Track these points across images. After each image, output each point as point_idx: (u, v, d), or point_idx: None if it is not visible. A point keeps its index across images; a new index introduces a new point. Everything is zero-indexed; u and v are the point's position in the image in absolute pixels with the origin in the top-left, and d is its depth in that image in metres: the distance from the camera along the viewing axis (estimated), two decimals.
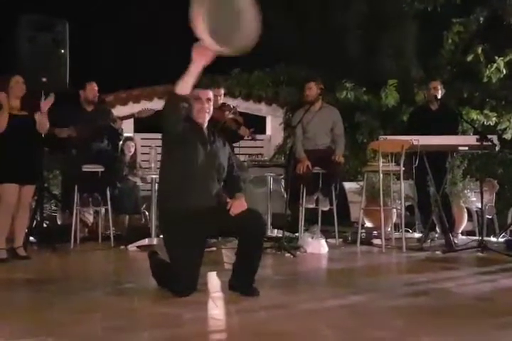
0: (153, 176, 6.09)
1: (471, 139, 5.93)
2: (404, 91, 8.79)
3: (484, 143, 5.75)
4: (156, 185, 6.18)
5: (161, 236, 4.42)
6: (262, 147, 9.22)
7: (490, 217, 7.48)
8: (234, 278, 3.75)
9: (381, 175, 6.12)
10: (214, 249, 5.67)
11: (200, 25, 3.16)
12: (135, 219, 7.47)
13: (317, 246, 5.79)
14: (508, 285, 4.23)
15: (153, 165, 6.10)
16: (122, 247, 6.07)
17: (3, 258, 5.15)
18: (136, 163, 7.67)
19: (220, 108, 6.21)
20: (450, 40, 8.80)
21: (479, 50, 8.49)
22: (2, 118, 5.15)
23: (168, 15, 11.37)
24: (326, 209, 6.43)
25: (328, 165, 6.27)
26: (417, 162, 5.97)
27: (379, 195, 6.10)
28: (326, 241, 5.98)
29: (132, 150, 7.64)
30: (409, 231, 7.04)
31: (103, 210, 6.77)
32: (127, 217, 7.35)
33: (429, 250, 5.91)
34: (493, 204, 7.83)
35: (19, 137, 5.19)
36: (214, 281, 4.21)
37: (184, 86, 3.56)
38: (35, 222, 6.10)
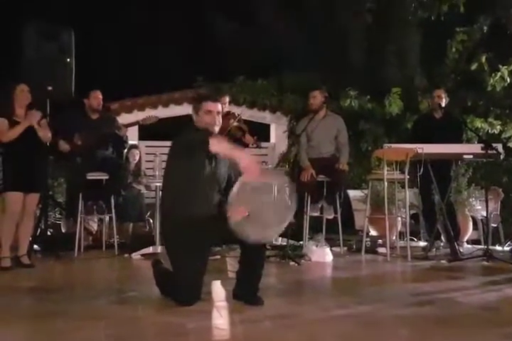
0: (158, 184, 6.09)
1: (476, 147, 5.91)
2: (408, 100, 8.78)
3: (489, 152, 5.74)
4: (160, 192, 6.19)
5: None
6: (266, 155, 9.22)
7: (495, 225, 7.44)
8: (238, 287, 3.74)
9: (386, 184, 6.11)
10: (218, 257, 5.66)
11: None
12: (139, 227, 7.46)
13: (322, 255, 5.78)
14: None
15: (157, 172, 6.09)
16: (126, 255, 6.06)
17: (8, 266, 5.15)
18: (140, 171, 7.67)
19: (225, 116, 6.22)
20: (454, 49, 8.79)
21: (483, 59, 8.48)
22: (18, 129, 5.17)
23: (173, 25, 11.43)
24: (330, 217, 6.41)
25: (332, 173, 6.26)
26: (421, 170, 5.96)
27: (384, 203, 6.09)
28: (331, 250, 5.97)
29: (137, 158, 7.65)
30: (414, 240, 7.02)
31: (107, 218, 6.77)
32: (131, 224, 7.35)
33: (435, 259, 5.89)
34: (499, 213, 7.79)
35: (24, 145, 5.20)
36: (218, 290, 4.20)
37: (218, 146, 3.54)
38: (39, 230, 6.11)
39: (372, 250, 6.40)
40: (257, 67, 9.43)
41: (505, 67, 8.34)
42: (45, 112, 5.87)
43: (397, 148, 6.05)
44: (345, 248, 6.55)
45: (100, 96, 6.47)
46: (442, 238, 6.58)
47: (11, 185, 5.22)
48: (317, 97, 6.37)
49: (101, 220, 6.94)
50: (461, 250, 6.26)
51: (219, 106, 3.95)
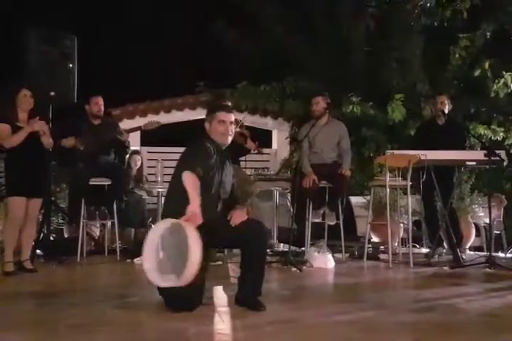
0: (160, 190, 6.10)
1: (479, 154, 5.90)
2: (411, 106, 8.79)
3: (492, 158, 5.74)
4: (163, 198, 6.20)
5: None
6: (268, 161, 9.23)
7: (498, 232, 7.44)
8: (240, 292, 3.74)
9: (388, 190, 6.10)
10: (220, 263, 5.66)
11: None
12: (141, 232, 7.45)
13: (323, 261, 5.77)
14: None
15: (159, 178, 6.11)
16: (128, 261, 6.06)
17: (10, 271, 5.15)
18: (142, 177, 7.68)
19: None
20: (457, 55, 8.78)
21: (486, 65, 8.48)
22: (21, 135, 5.17)
23: (175, 31, 11.46)
24: (332, 223, 6.40)
25: (334, 180, 6.25)
26: (424, 177, 5.95)
27: (386, 210, 6.08)
28: (333, 256, 5.95)
29: (138, 163, 7.66)
30: (416, 247, 7.01)
31: (109, 223, 6.77)
32: (133, 230, 7.34)
33: (437, 265, 5.88)
34: (501, 220, 7.79)
35: (26, 150, 5.20)
36: (220, 295, 4.19)
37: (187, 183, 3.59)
38: (42, 235, 6.11)
39: (374, 256, 6.38)
40: (259, 72, 9.43)
41: (509, 73, 8.35)
42: (47, 117, 5.88)
43: (400, 154, 6.05)
44: (347, 254, 6.53)
45: (101, 102, 6.47)
46: (444, 244, 6.57)
47: (14, 189, 5.22)
48: (320, 103, 6.37)
49: (103, 225, 6.95)
50: (464, 257, 6.25)
51: (232, 117, 4.00)
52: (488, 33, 8.78)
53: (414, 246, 6.53)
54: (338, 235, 6.37)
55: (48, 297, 4.21)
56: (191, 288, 3.56)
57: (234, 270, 5.08)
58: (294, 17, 9.60)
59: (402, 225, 6.99)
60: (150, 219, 7.48)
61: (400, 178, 6.26)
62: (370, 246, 6.59)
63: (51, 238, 6.59)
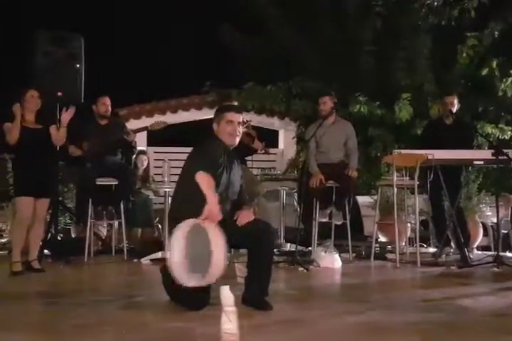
0: (166, 189, 6.10)
1: (487, 153, 5.88)
2: (418, 105, 8.76)
3: (500, 158, 5.71)
4: (169, 198, 6.20)
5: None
6: (274, 161, 9.22)
7: (505, 231, 7.40)
8: (247, 292, 3.73)
9: (395, 189, 6.09)
10: (226, 262, 5.65)
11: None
12: (148, 232, 7.47)
13: (330, 261, 5.76)
14: None
15: (166, 178, 6.10)
16: (135, 260, 6.07)
17: (18, 270, 5.16)
18: (149, 177, 7.69)
19: None
20: (464, 54, 8.76)
21: (494, 64, 8.45)
22: (14, 129, 5.18)
23: (181, 30, 11.47)
24: (339, 223, 6.39)
25: (341, 179, 6.24)
26: (431, 176, 5.93)
27: (393, 209, 6.07)
28: (340, 256, 5.94)
29: (145, 163, 7.67)
30: (423, 246, 6.98)
31: (116, 223, 6.78)
32: (140, 230, 7.36)
33: (444, 265, 5.85)
34: (509, 219, 7.75)
35: (34, 150, 5.22)
36: (227, 295, 4.19)
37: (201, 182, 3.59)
38: (49, 235, 6.12)
39: (381, 256, 6.37)
40: (266, 73, 9.43)
41: None
42: (55, 118, 5.90)
43: (407, 154, 6.03)
44: (354, 254, 6.52)
45: (108, 103, 6.49)
46: (452, 244, 6.55)
47: (21, 190, 5.24)
48: (327, 103, 6.36)
49: (110, 225, 6.97)
50: (471, 256, 6.23)
51: (240, 117, 3.98)
52: (495, 32, 8.76)
53: (421, 246, 6.51)
54: (345, 235, 6.36)
55: (55, 297, 4.22)
56: (199, 288, 3.57)
57: (241, 269, 5.08)
58: (300, 17, 9.58)
59: (409, 225, 6.97)
60: (157, 219, 7.49)
61: (407, 178, 6.25)
62: (377, 245, 6.58)
63: (59, 238, 6.61)
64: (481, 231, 7.31)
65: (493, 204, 6.65)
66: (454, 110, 6.37)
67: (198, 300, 3.59)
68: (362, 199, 7.62)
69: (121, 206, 6.33)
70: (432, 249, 7.05)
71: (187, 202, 3.76)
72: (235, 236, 3.71)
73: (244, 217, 3.74)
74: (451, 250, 6.52)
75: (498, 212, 5.82)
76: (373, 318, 3.53)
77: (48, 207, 5.57)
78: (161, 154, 8.27)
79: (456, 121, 6.45)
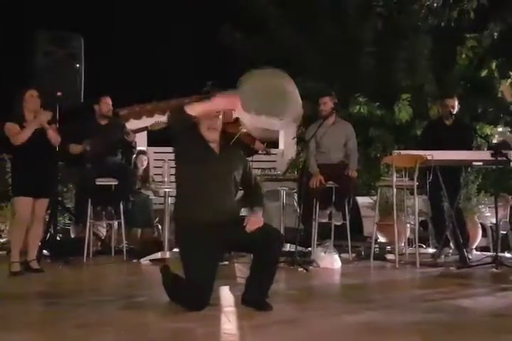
0: (166, 190, 6.11)
1: (486, 154, 5.89)
2: (418, 106, 8.77)
3: (499, 159, 5.72)
4: (170, 198, 6.21)
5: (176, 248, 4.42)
6: (274, 161, 9.21)
7: (504, 232, 7.40)
8: (247, 293, 3.73)
9: (395, 190, 6.09)
10: (226, 263, 5.66)
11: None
12: (148, 232, 7.47)
13: (330, 261, 5.76)
14: None
15: (166, 178, 6.11)
16: (135, 261, 6.07)
17: (17, 271, 5.16)
18: (148, 177, 7.69)
19: (235, 122, 6.22)
20: (464, 55, 8.77)
21: (493, 65, 8.46)
22: (27, 131, 5.18)
23: (181, 30, 11.48)
24: (339, 223, 6.39)
25: (341, 180, 6.24)
26: (430, 177, 5.94)
27: (392, 210, 6.07)
28: (339, 256, 5.95)
29: (145, 163, 7.67)
30: (423, 247, 6.99)
31: (116, 224, 6.78)
32: (140, 230, 7.35)
33: (443, 266, 5.86)
34: (508, 220, 7.76)
35: (33, 150, 5.21)
36: (227, 296, 4.20)
37: (193, 109, 3.60)
38: (48, 235, 6.12)
39: (380, 257, 6.37)
40: None
41: None
42: (54, 118, 5.90)
43: (407, 154, 6.04)
44: (354, 254, 6.52)
45: (110, 102, 6.49)
46: (451, 245, 6.55)
47: (20, 190, 5.23)
48: (327, 103, 6.36)
49: (110, 226, 6.97)
50: (470, 257, 6.23)
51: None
52: (495, 33, 8.77)
53: (420, 247, 6.51)
54: (344, 235, 6.36)
55: (55, 297, 4.22)
56: (201, 287, 3.58)
57: (241, 270, 5.10)
58: (300, 17, 9.58)
59: (408, 225, 6.97)
60: (156, 220, 7.49)
61: (407, 178, 6.25)
62: (376, 246, 6.59)
63: (58, 238, 6.61)
64: (480, 231, 7.31)
65: (492, 205, 6.66)
66: (454, 111, 6.37)
67: (198, 300, 3.59)
68: (362, 200, 7.62)
69: (121, 206, 6.33)
70: (431, 250, 7.05)
71: (181, 202, 3.82)
72: (243, 241, 3.71)
73: (254, 223, 3.71)
74: (451, 251, 6.52)
75: (497, 213, 5.83)
76: (373, 318, 3.53)
77: (47, 207, 5.57)
78: (161, 154, 8.26)
79: (456, 122, 6.46)
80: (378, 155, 8.65)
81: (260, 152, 6.54)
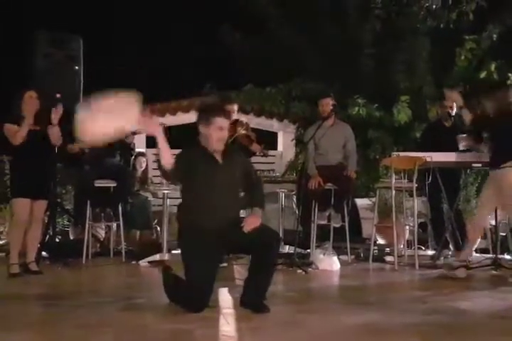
0: (165, 191, 6.11)
1: (485, 156, 5.89)
2: (417, 108, 8.77)
3: None
4: (168, 200, 6.21)
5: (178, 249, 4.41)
6: (273, 163, 9.21)
7: (504, 234, 7.40)
8: (245, 295, 3.73)
9: (393, 192, 6.09)
10: (225, 264, 5.65)
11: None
12: (146, 234, 7.46)
13: (329, 263, 5.76)
14: None
15: (164, 180, 6.11)
16: (133, 262, 6.07)
17: (16, 272, 5.15)
18: (147, 179, 7.68)
19: (233, 124, 6.23)
20: (463, 57, 8.77)
21: (492, 67, 8.45)
22: (23, 131, 5.18)
23: (181, 33, 11.48)
24: (337, 225, 6.39)
25: (340, 182, 6.24)
26: (430, 179, 5.94)
27: (391, 212, 6.07)
28: (338, 258, 5.95)
29: (144, 165, 7.66)
30: (422, 249, 6.97)
31: (115, 225, 6.78)
32: (138, 232, 7.35)
33: (443, 267, 5.85)
34: (507, 222, 7.75)
35: (32, 152, 5.21)
36: (225, 297, 4.19)
37: (165, 158, 3.65)
38: (47, 237, 6.12)
39: (379, 258, 6.37)
40: (265, 74, 9.43)
41: None
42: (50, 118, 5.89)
43: (406, 156, 6.04)
44: (353, 256, 6.52)
45: None
46: (450, 246, 6.54)
47: (19, 191, 5.23)
48: (329, 104, 6.37)
49: (108, 227, 6.96)
50: (470, 259, 6.22)
51: (227, 123, 3.90)
52: (494, 35, 8.77)
53: (419, 248, 6.51)
54: (343, 237, 6.36)
55: (54, 299, 4.21)
56: (201, 288, 3.58)
57: (239, 272, 5.09)
58: (300, 18, 9.59)
59: (407, 227, 6.97)
60: (155, 221, 7.48)
61: (406, 180, 6.25)
62: (375, 248, 6.58)
63: (56, 240, 6.60)
64: None
65: None
66: (453, 113, 6.38)
67: (197, 301, 3.59)
68: (360, 202, 7.62)
69: (120, 208, 6.33)
70: (430, 252, 7.04)
71: (185, 208, 3.86)
72: (241, 243, 3.71)
73: (251, 223, 3.71)
74: (450, 252, 6.51)
75: (496, 215, 5.82)
76: (372, 320, 3.53)
77: (45, 209, 5.56)
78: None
79: (455, 124, 6.46)
80: (377, 156, 8.64)
81: (258, 154, 6.54)
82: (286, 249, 6.74)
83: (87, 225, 6.19)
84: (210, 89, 9.45)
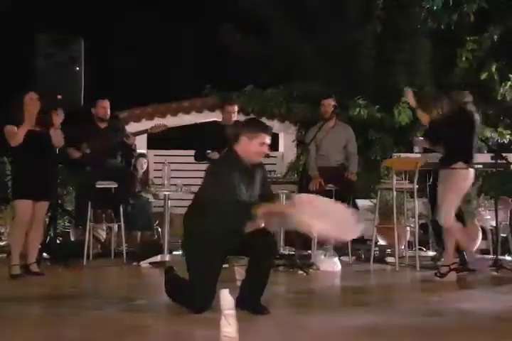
0: (166, 193, 6.11)
1: (486, 157, 5.89)
2: None
3: (499, 161, 5.72)
4: (169, 201, 6.21)
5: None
6: (274, 164, 9.21)
7: (504, 235, 7.40)
8: (241, 296, 3.73)
9: (395, 193, 6.09)
10: (226, 265, 5.65)
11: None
12: (147, 235, 7.46)
13: (330, 264, 5.76)
14: None
15: (166, 181, 6.11)
16: (135, 263, 6.07)
17: (17, 274, 5.15)
18: (148, 180, 7.68)
19: (234, 125, 6.23)
20: (464, 58, 8.77)
21: (493, 68, 8.46)
22: (20, 132, 5.18)
23: (182, 34, 11.48)
24: None
25: (341, 183, 6.25)
26: (430, 180, 5.94)
27: (392, 213, 6.07)
28: (339, 259, 5.95)
29: (145, 166, 7.66)
30: (423, 250, 6.98)
31: (116, 226, 6.78)
32: (139, 233, 7.35)
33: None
34: (508, 223, 7.75)
35: (33, 153, 5.21)
36: (226, 298, 4.19)
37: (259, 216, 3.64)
38: (48, 238, 6.12)
39: (380, 259, 6.37)
40: (266, 75, 9.44)
41: None
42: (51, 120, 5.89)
43: (407, 157, 6.05)
44: (354, 257, 6.53)
45: (107, 106, 6.51)
46: None
47: (20, 192, 5.23)
48: (331, 105, 6.38)
49: (109, 228, 6.96)
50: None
51: (269, 138, 3.85)
52: (495, 36, 8.76)
53: (420, 249, 6.51)
54: None
55: (54, 300, 4.21)
56: (205, 289, 3.58)
57: (240, 273, 5.09)
58: (301, 20, 9.59)
59: (408, 228, 6.97)
60: (156, 222, 7.48)
61: (407, 181, 6.25)
62: (376, 249, 6.58)
63: (58, 241, 6.60)
64: (480, 234, 7.30)
65: (492, 207, 6.65)
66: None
67: (200, 302, 3.58)
68: (361, 203, 7.62)
69: (121, 209, 6.33)
70: (431, 253, 7.05)
71: (202, 217, 3.72)
72: (239, 245, 3.71)
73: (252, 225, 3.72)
74: None
75: (497, 216, 5.84)
76: (373, 321, 3.53)
77: (47, 210, 5.56)
78: (161, 157, 8.26)
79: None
80: (378, 157, 8.65)
81: None
82: (287, 250, 6.74)
83: (88, 226, 6.19)
84: (210, 90, 9.46)
